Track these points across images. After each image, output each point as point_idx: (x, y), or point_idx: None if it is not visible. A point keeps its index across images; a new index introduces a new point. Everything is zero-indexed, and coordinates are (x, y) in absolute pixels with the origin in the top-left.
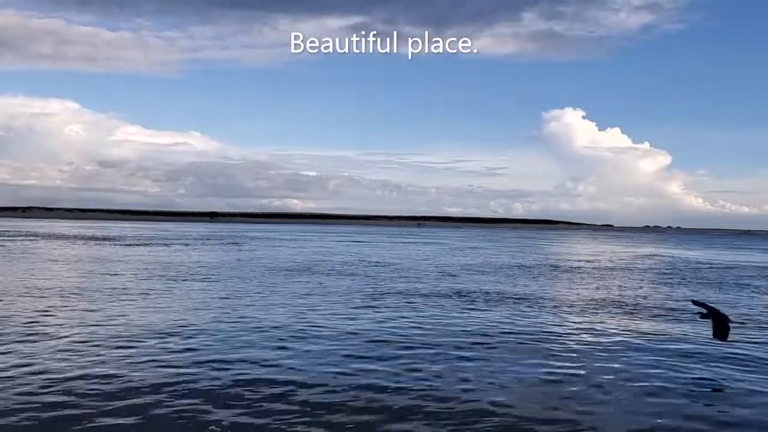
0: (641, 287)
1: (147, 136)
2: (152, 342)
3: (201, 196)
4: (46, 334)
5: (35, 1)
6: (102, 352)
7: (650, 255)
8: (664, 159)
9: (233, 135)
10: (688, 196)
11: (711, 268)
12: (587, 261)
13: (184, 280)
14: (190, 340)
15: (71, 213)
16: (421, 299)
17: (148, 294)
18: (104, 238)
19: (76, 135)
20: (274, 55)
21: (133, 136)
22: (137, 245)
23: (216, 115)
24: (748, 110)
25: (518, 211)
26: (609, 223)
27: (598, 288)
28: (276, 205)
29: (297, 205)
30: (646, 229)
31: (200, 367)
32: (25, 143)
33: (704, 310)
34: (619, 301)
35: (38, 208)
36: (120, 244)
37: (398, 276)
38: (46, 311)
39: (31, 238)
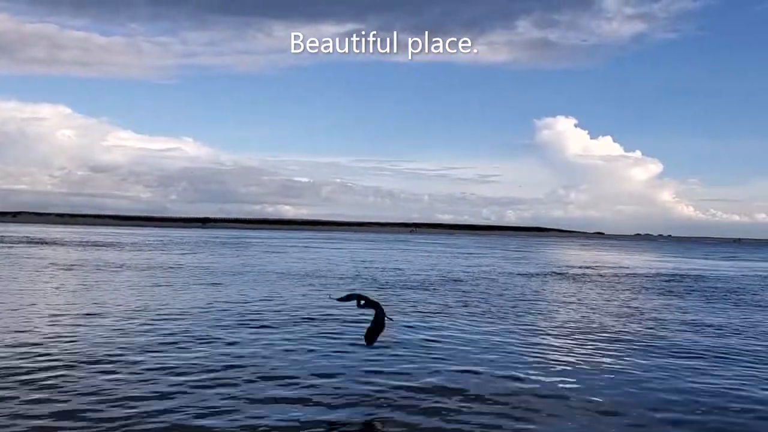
0: (661, 301)
1: (139, 142)
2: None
3: (193, 202)
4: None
5: (29, 6)
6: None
7: (655, 264)
8: (655, 167)
9: (226, 141)
10: (680, 204)
11: (719, 279)
12: (593, 269)
13: (202, 284)
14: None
15: (62, 218)
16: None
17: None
18: (105, 244)
19: (68, 140)
20: (268, 61)
21: (125, 141)
22: (146, 251)
23: (209, 121)
24: (739, 119)
25: (510, 218)
26: (600, 231)
27: (609, 299)
28: (268, 211)
29: (289, 212)
30: (637, 237)
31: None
32: (16, 148)
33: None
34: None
35: (29, 213)
36: (126, 250)
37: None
38: (55, 318)
39: (32, 245)
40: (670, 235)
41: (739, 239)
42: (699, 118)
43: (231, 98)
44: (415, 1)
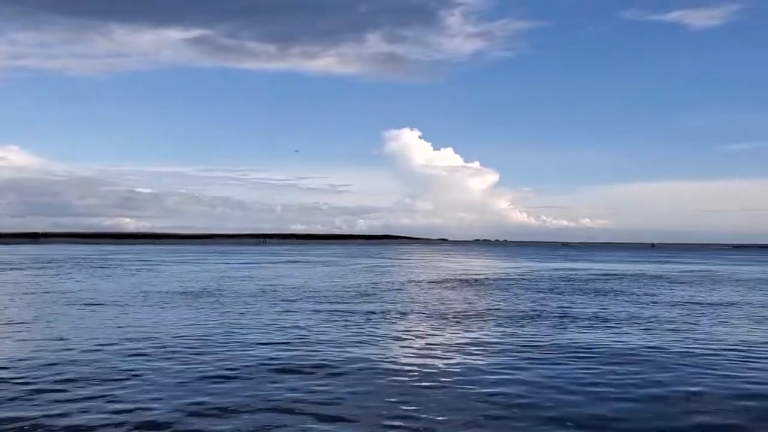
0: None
1: None
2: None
3: (21, 216)
4: None
5: None
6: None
7: (520, 267)
8: (492, 177)
9: (58, 149)
10: (514, 211)
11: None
12: (468, 275)
13: (92, 310)
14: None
15: None
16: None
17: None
18: None
19: None
20: (107, 65)
21: None
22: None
23: (38, 128)
24: (565, 132)
25: (361, 227)
26: (444, 237)
27: (502, 300)
28: (107, 224)
29: (130, 224)
30: (477, 243)
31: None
32: None
33: None
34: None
35: None
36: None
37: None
38: None
39: None
40: (506, 240)
41: (567, 243)
42: (530, 131)
43: (64, 104)
44: (267, 10)
